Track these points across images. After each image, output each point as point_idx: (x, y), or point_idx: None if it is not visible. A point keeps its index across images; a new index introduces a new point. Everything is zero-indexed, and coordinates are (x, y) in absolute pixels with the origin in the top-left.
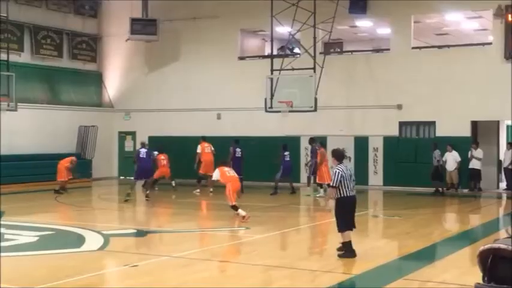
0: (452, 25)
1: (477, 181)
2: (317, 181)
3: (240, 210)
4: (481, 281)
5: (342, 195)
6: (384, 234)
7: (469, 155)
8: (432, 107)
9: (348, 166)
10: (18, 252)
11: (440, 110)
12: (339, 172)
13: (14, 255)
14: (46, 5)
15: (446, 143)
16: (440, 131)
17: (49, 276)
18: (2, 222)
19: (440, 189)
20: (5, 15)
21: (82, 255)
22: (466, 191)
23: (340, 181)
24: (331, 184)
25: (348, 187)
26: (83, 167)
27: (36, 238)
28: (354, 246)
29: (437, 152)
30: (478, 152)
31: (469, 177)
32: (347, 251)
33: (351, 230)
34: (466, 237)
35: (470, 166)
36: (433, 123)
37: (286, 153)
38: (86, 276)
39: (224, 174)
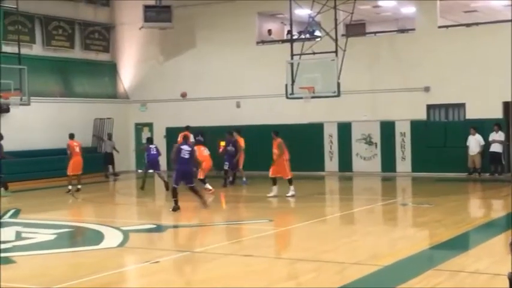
0: (481, 1)
1: (498, 164)
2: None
3: (207, 185)
4: None
5: None
6: (413, 223)
7: (490, 138)
8: (461, 89)
9: None
10: (36, 250)
11: (470, 92)
12: None
13: (32, 254)
14: None
15: (479, 125)
16: (471, 114)
17: (68, 275)
18: (18, 220)
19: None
20: (15, 6)
21: (101, 253)
22: (487, 175)
23: None
24: None
25: None
26: (99, 161)
27: (54, 236)
28: (383, 236)
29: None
30: (499, 135)
31: (490, 161)
32: None
33: None
34: (498, 225)
35: (491, 149)
36: (462, 105)
37: (152, 146)
38: (107, 274)
39: (201, 153)
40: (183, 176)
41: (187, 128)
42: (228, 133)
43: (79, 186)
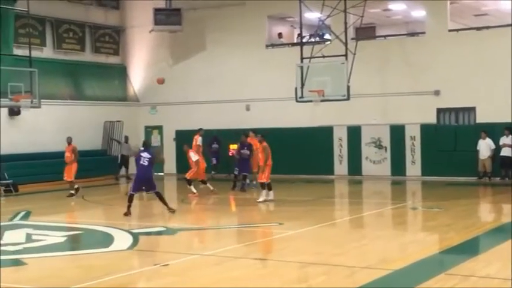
0: (491, 4)
1: (508, 169)
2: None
3: (191, 187)
4: None
5: None
6: (423, 227)
7: (501, 142)
8: (471, 92)
9: None
10: (46, 253)
11: (481, 95)
12: None
13: (42, 256)
14: None
15: (490, 129)
16: (481, 117)
17: (79, 277)
18: (28, 222)
19: None
20: (26, 9)
21: (111, 255)
22: (498, 179)
23: None
24: None
25: None
26: (109, 164)
27: (64, 238)
28: (392, 240)
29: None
30: (510, 139)
31: (500, 165)
32: None
33: None
34: (509, 229)
35: (502, 153)
36: (473, 109)
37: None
38: (117, 277)
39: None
40: (144, 183)
41: (200, 130)
42: (244, 135)
43: (76, 186)
